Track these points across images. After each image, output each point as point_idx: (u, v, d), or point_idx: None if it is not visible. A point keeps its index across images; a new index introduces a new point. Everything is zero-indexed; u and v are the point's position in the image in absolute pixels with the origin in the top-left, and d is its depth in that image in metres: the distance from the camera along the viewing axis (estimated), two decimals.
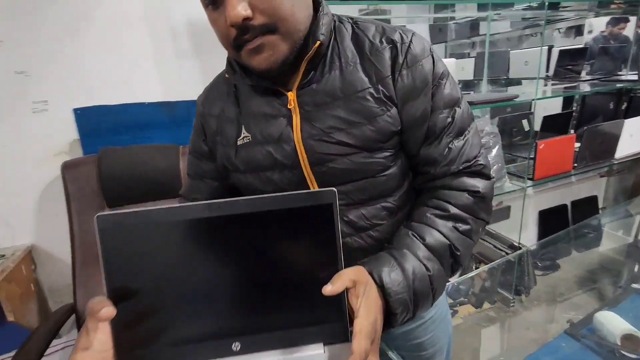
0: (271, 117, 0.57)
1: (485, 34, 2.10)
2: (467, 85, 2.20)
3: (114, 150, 1.22)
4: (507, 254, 1.88)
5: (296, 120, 0.56)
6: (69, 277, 1.18)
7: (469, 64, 2.20)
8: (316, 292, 0.45)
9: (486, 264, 1.91)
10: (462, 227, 0.55)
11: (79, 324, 1.14)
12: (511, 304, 1.87)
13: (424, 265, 0.52)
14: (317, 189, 0.57)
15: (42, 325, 1.03)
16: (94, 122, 1.27)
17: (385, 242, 0.58)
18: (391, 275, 0.49)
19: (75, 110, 1.24)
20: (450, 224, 0.55)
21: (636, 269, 1.87)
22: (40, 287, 1.32)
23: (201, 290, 0.46)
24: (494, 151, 1.68)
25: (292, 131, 0.56)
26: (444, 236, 0.54)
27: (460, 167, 0.56)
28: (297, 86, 0.55)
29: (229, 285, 0.47)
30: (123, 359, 0.43)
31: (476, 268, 1.97)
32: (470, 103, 1.45)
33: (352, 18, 0.59)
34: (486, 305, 1.89)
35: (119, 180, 1.20)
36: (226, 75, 0.61)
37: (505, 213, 2.06)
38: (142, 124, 1.33)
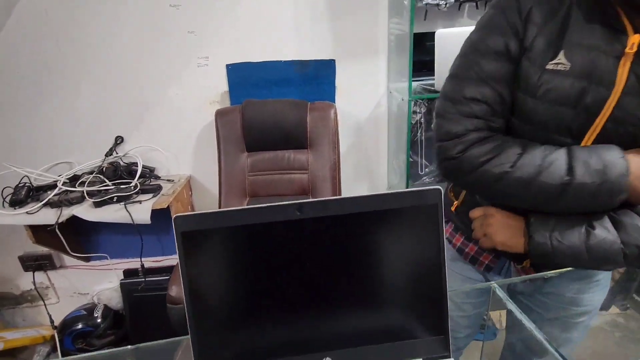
0: (603, 53, 0.52)
1: None
2: None
3: (254, 103, 1.41)
4: None
5: (625, 67, 0.51)
6: (214, 203, 1.46)
7: None
8: (417, 302, 0.42)
9: None
10: None
11: None
12: None
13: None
14: (592, 144, 0.55)
15: None
16: (240, 77, 1.47)
17: None
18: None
19: (227, 66, 1.45)
20: None
21: None
22: (194, 209, 1.67)
23: (289, 299, 0.43)
24: None
25: (616, 77, 0.52)
26: None
27: None
28: None
29: (320, 294, 0.43)
30: None
31: None
32: None
33: None
34: (614, 309, 1.64)
35: (257, 129, 1.39)
36: None
37: None
38: (278, 80, 1.48)
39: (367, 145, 1.62)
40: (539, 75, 0.56)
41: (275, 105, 1.39)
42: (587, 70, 0.53)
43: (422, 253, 0.44)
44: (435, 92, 1.28)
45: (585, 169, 0.53)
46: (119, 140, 1.52)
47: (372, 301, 0.44)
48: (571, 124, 0.56)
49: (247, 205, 1.41)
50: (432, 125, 0.66)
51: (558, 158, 0.55)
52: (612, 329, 1.54)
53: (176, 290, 1.15)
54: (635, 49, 0.50)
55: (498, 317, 1.40)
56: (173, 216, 0.41)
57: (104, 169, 1.46)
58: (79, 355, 0.62)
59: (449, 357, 0.46)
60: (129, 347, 0.58)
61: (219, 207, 1.40)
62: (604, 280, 0.72)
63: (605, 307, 1.60)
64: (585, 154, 0.54)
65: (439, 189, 0.42)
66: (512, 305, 0.62)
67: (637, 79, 0.51)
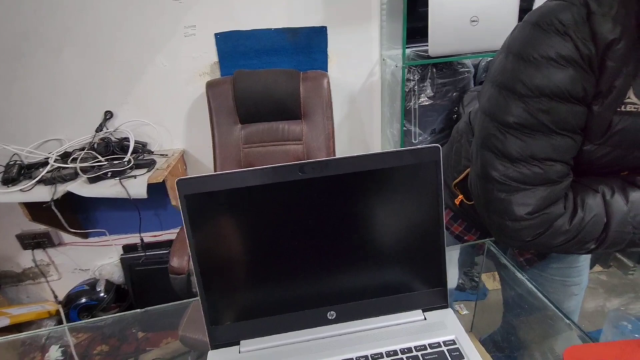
0: None
1: None
2: None
3: (246, 73, 1.38)
4: None
5: None
6: None
7: None
8: (417, 256, 0.44)
9: None
10: None
11: None
12: (629, 272, 1.67)
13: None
14: None
15: None
16: (230, 46, 1.43)
17: None
18: None
19: (216, 35, 1.40)
20: None
21: None
22: None
23: (293, 257, 0.44)
24: None
25: None
26: None
27: None
28: None
29: (324, 250, 0.45)
30: (217, 331, 0.44)
31: None
32: None
33: None
34: (597, 267, 1.73)
35: (250, 100, 1.37)
36: None
37: None
38: (268, 49, 1.45)
39: (361, 115, 1.61)
40: (611, 120, 0.50)
41: (267, 76, 1.37)
42: None
43: (421, 209, 0.45)
44: (429, 57, 1.26)
45: None
46: (108, 116, 1.49)
47: (373, 257, 0.46)
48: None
49: None
50: (475, 184, 0.59)
51: None
52: (595, 285, 1.63)
53: (177, 261, 1.18)
54: None
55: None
56: (176, 181, 0.41)
57: (95, 145, 1.44)
58: (92, 319, 0.65)
59: (447, 307, 0.49)
60: (139, 310, 0.60)
61: None
62: (585, 262, 0.75)
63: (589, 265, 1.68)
64: None
65: (437, 147, 0.43)
66: (506, 260, 0.65)
67: None
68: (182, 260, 1.18)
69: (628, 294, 1.59)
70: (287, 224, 0.44)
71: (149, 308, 0.60)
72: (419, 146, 0.44)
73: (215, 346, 0.47)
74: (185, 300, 0.61)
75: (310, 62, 1.47)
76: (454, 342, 0.45)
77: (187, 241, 0.43)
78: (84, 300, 1.67)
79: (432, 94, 1.38)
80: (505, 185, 0.54)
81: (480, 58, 1.43)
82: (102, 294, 1.69)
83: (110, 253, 1.78)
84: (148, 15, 1.35)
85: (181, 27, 1.38)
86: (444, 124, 1.46)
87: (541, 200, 0.53)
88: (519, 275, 0.64)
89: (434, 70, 1.36)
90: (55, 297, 1.67)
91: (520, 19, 1.26)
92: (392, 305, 0.48)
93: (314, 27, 1.41)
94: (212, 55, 1.44)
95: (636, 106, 0.49)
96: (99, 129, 1.48)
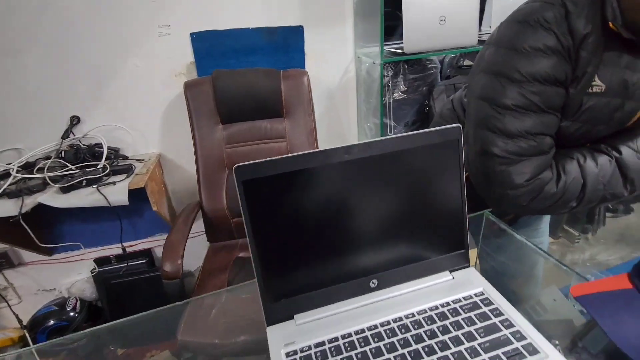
0: (627, 69, 0.59)
1: None
2: None
3: (225, 73, 1.37)
4: None
5: None
6: (188, 182, 1.43)
7: None
8: (443, 225, 0.50)
9: None
10: None
11: (205, 217, 1.41)
12: (576, 241, 1.91)
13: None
14: None
15: (181, 215, 1.30)
16: (206, 46, 1.41)
17: None
18: None
19: (192, 35, 1.38)
20: None
21: None
22: (166, 188, 1.61)
23: (341, 232, 0.48)
24: None
25: None
26: None
27: None
28: None
29: (366, 225, 0.49)
30: (272, 309, 0.47)
31: None
32: None
33: None
34: (549, 239, 1.95)
35: (231, 100, 1.37)
36: (610, 24, 0.57)
37: None
38: (246, 48, 1.46)
39: (338, 111, 1.67)
40: (581, 100, 0.61)
41: (247, 75, 1.37)
42: (620, 87, 0.59)
43: (447, 181, 0.51)
44: (403, 54, 1.36)
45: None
46: (74, 121, 1.40)
47: (407, 227, 0.51)
48: (602, 135, 0.65)
49: (227, 177, 1.41)
50: (474, 161, 0.66)
51: (612, 174, 0.64)
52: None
53: (170, 266, 1.15)
54: None
55: None
56: (233, 168, 0.43)
57: (63, 152, 1.35)
58: (62, 338, 0.59)
59: (469, 266, 0.56)
60: (119, 321, 0.57)
61: (198, 183, 1.38)
62: (545, 226, 0.89)
63: None
64: (632, 159, 0.64)
65: (458, 127, 0.49)
66: (504, 225, 0.74)
67: None
68: (175, 265, 1.15)
69: (574, 257, 1.82)
70: (334, 202, 0.48)
71: (139, 315, 0.56)
72: (443, 126, 0.50)
73: (271, 322, 0.50)
74: (177, 303, 0.59)
75: (288, 61, 1.51)
76: (482, 293, 0.52)
77: (245, 226, 0.45)
78: (52, 322, 1.54)
79: (405, 88, 1.48)
80: (506, 158, 0.63)
81: (444, 55, 1.56)
82: (72, 313, 1.57)
83: (79, 269, 1.66)
84: (118, 14, 1.29)
85: (155, 27, 1.34)
86: (416, 117, 1.57)
87: (535, 169, 0.63)
88: (517, 237, 0.73)
89: (406, 66, 1.47)
90: (20, 321, 1.52)
91: (480, 19, 1.41)
92: (424, 269, 0.54)
93: (291, 26, 1.44)
94: (188, 56, 1.42)
95: (600, 87, 0.60)
96: (65, 136, 1.38)
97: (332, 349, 0.46)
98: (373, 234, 0.50)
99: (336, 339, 0.47)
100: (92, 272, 1.62)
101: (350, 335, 0.48)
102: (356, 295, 0.52)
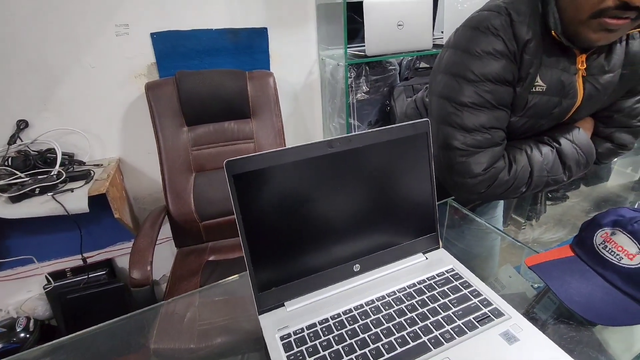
0: (564, 71, 0.68)
1: None
2: None
3: (189, 74, 1.35)
4: None
5: (580, 80, 0.69)
6: (150, 187, 1.38)
7: None
8: (415, 211, 0.55)
9: None
10: None
11: (172, 221, 1.37)
12: (522, 227, 2.11)
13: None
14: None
15: (147, 220, 1.26)
16: (168, 47, 1.38)
17: None
18: None
19: (152, 35, 1.34)
20: None
21: (637, 203, 2.08)
22: (127, 194, 1.54)
23: (324, 220, 0.51)
24: None
25: (578, 89, 0.69)
26: None
27: None
28: (589, 51, 0.67)
29: (347, 214, 0.53)
30: (263, 298, 0.50)
31: None
32: None
33: None
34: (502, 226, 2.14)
35: (196, 101, 1.35)
36: (553, 33, 0.64)
37: None
38: (209, 49, 1.44)
39: (303, 111, 1.70)
40: (526, 99, 0.69)
41: (212, 76, 1.36)
42: (558, 86, 0.69)
43: (418, 171, 0.57)
44: (366, 57, 1.43)
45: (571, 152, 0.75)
46: (22, 125, 1.30)
47: (384, 215, 0.56)
48: (545, 128, 0.76)
49: (194, 180, 1.38)
50: (438, 154, 0.73)
51: (554, 162, 0.74)
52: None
53: (138, 273, 1.10)
54: (583, 66, 0.68)
55: None
56: (224, 163, 0.45)
57: (10, 159, 1.25)
58: (10, 357, 0.54)
59: (439, 247, 0.61)
60: (93, 327, 0.56)
61: (164, 187, 1.34)
62: (499, 213, 0.98)
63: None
64: (569, 149, 0.74)
65: (427, 121, 0.55)
66: (466, 210, 0.82)
67: (591, 87, 0.71)
68: (144, 271, 1.11)
69: (522, 239, 2.00)
70: (319, 193, 0.51)
71: (102, 324, 0.55)
72: (414, 121, 0.55)
73: (262, 311, 0.52)
74: (145, 308, 0.57)
75: (253, 62, 1.51)
76: (453, 270, 0.58)
77: (236, 219, 0.47)
78: (0, 345, 1.41)
79: (367, 89, 1.55)
80: (465, 150, 0.70)
81: (402, 57, 1.65)
82: (23, 334, 1.45)
83: (29, 285, 1.53)
84: (70, 11, 1.22)
85: (111, 26, 1.29)
86: (378, 116, 1.64)
87: (491, 159, 0.70)
88: (478, 220, 0.81)
89: (368, 68, 1.54)
90: None
91: (433, 26, 1.51)
92: (401, 252, 0.59)
93: (254, 28, 1.45)
94: (149, 56, 1.37)
95: (542, 87, 0.69)
96: (12, 142, 1.28)
97: (324, 329, 0.49)
98: (354, 222, 0.54)
99: (326, 320, 0.50)
100: (45, 288, 1.50)
101: (339, 315, 0.51)
102: (341, 279, 0.55)
